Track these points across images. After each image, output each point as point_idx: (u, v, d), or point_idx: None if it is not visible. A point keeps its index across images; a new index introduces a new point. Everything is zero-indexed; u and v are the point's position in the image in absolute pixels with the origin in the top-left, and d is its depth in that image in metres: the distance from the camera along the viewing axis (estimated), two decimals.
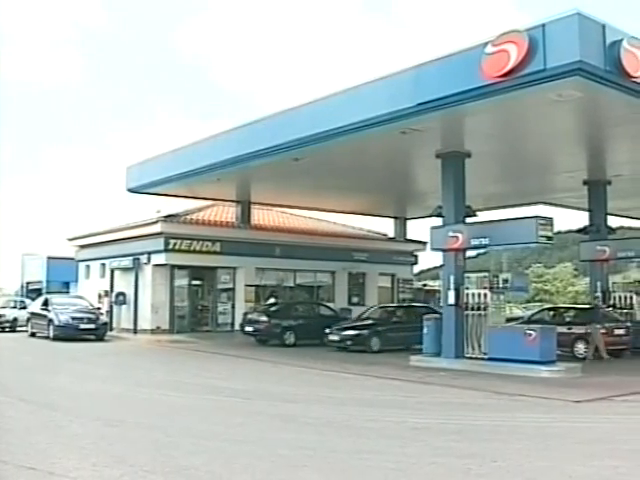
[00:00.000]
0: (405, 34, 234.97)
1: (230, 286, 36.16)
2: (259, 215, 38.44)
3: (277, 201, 37.21)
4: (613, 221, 32.24)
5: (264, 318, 29.14)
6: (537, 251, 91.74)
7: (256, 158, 23.63)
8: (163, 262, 33.81)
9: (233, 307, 35.79)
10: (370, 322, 28.04)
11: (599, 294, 27.19)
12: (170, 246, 33.38)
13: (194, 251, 33.98)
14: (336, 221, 43.06)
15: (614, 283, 30.54)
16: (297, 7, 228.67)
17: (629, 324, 24.44)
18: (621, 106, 17.57)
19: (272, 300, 34.72)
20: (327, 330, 27.37)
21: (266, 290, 37.05)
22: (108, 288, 37.42)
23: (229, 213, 37.11)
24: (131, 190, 31.59)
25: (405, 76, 18.49)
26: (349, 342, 26.55)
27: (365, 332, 26.85)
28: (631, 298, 27.16)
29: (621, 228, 41.10)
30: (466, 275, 21.86)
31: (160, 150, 29.20)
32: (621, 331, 24.20)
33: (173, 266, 34.46)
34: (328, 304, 34.09)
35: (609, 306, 27.05)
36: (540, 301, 76.20)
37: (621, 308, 26.99)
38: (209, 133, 26.42)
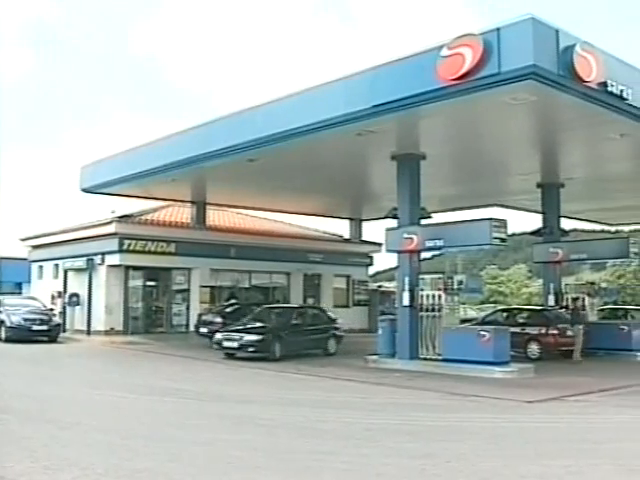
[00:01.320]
0: (360, 35, 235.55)
1: (185, 287, 35.97)
2: (214, 216, 38.30)
3: (233, 202, 37.08)
4: (566, 223, 32.62)
5: (219, 319, 28.95)
6: (492, 253, 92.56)
7: (211, 159, 23.54)
8: (117, 263, 33.54)
9: (188, 308, 35.58)
10: (264, 325, 25.07)
11: (583, 296, 27.44)
12: (124, 247, 33.14)
13: (149, 252, 33.76)
14: (292, 222, 43.05)
15: (567, 285, 30.87)
16: (252, 8, 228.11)
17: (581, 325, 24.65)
18: (574, 110, 17.77)
19: (231, 301, 34.39)
20: (219, 336, 24.55)
21: (222, 291, 36.91)
22: (61, 289, 36.97)
23: (184, 214, 36.92)
24: (85, 190, 31.27)
25: (361, 78, 18.55)
26: (251, 348, 23.28)
27: (269, 336, 23.81)
28: (583, 299, 27.46)
29: (574, 230, 41.60)
30: (421, 276, 21.97)
31: (115, 150, 28.96)
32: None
33: (127, 267, 34.20)
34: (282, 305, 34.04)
35: (561, 307, 27.34)
36: (494, 302, 76.79)
37: (573, 309, 27.25)
38: (164, 133, 26.26)
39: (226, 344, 23.71)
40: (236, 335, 23.77)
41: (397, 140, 21.80)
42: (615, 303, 45.38)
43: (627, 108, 17.45)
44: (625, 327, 25.60)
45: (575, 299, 26.26)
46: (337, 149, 22.91)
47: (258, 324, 25.14)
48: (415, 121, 19.53)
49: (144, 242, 33.54)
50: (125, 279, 34.37)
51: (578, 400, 15.30)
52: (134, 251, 33.40)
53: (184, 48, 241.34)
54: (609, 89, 16.52)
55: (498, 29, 15.50)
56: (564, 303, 27.78)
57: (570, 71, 15.61)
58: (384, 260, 46.56)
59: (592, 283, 41.09)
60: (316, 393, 16.39)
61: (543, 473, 8.91)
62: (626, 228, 43.31)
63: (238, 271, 37.56)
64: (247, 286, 38.49)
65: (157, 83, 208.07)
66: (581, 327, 23.85)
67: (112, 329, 33.26)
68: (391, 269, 36.23)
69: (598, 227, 47.13)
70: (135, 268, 34.60)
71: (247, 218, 41.40)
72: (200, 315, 31.40)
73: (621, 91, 16.79)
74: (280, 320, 26.08)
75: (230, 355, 23.70)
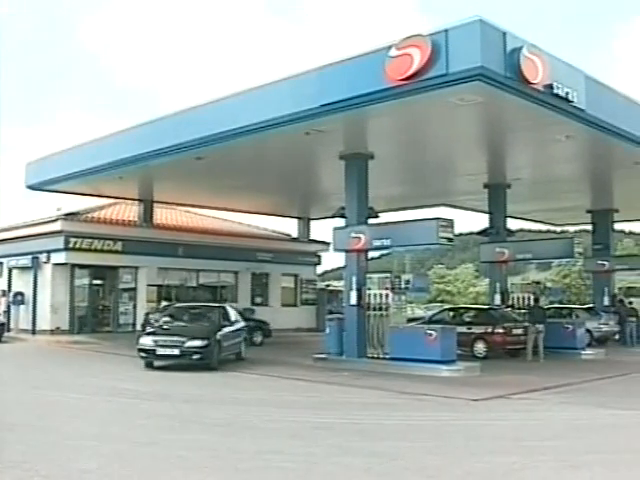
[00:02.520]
0: (310, 35, 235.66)
1: (132, 286, 35.62)
2: (162, 214, 38.09)
3: (181, 200, 36.89)
4: (512, 224, 32.99)
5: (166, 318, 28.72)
6: (440, 252, 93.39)
7: (158, 156, 23.37)
8: (63, 261, 33.11)
9: (135, 307, 35.25)
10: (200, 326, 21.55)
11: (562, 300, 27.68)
12: (70, 245, 32.70)
13: (95, 250, 33.37)
14: (240, 221, 42.96)
15: (512, 284, 31.20)
16: (201, 7, 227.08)
17: (526, 324, 24.89)
18: (521, 112, 17.95)
19: (166, 303, 33.87)
20: (147, 340, 20.43)
21: (169, 290, 36.64)
22: (6, 288, 36.46)
23: (132, 212, 36.63)
24: (31, 187, 30.90)
25: (309, 77, 18.56)
26: (196, 355, 19.88)
27: (211, 340, 20.31)
28: (529, 299, 27.75)
29: (521, 231, 42.08)
30: (368, 276, 22.03)
31: (61, 147, 28.64)
32: (519, 331, 24.72)
33: (73, 265, 33.77)
34: (231, 304, 33.89)
35: (507, 306, 27.62)
36: (442, 301, 77.50)
37: (519, 308, 27.58)
38: (111, 131, 26.02)
39: (162, 352, 19.92)
40: (174, 339, 20.05)
41: (345, 139, 21.85)
42: (560, 302, 46.02)
43: (572, 110, 17.68)
44: (570, 326, 25.93)
45: (536, 299, 26.54)
46: (285, 148, 22.89)
47: (191, 325, 21.67)
48: (363, 121, 19.59)
49: (90, 240, 33.13)
50: (71, 278, 33.92)
51: (522, 398, 15.46)
52: (80, 249, 32.97)
53: (132, 47, 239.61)
54: (555, 91, 16.72)
55: (446, 30, 15.59)
56: (510, 302, 28.09)
57: (517, 73, 15.76)
58: (332, 259, 46.68)
59: (538, 282, 41.59)
60: (263, 392, 16.37)
61: (488, 470, 9.00)
62: (571, 228, 43.92)
63: (186, 270, 37.30)
64: (194, 285, 38.24)
65: (105, 81, 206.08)
66: (541, 326, 24.01)
67: (58, 328, 32.82)
68: (339, 268, 36.31)
69: (544, 227, 47.77)
70: (81, 266, 34.17)
71: (195, 216, 41.22)
72: (147, 314, 31.12)
73: (567, 93, 17.01)
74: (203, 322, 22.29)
75: (150, 365, 20.53)
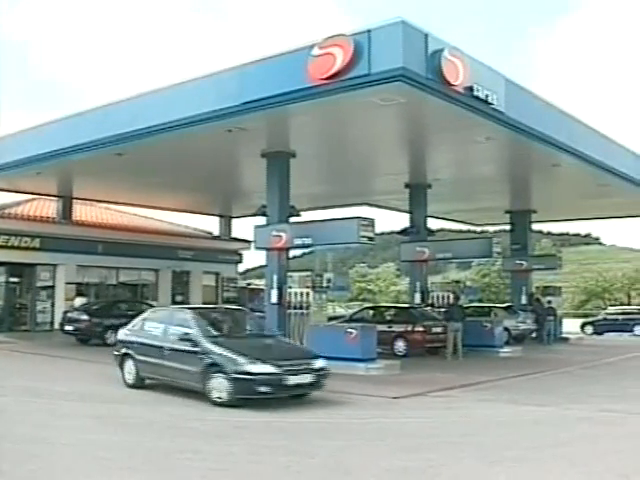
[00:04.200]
0: (234, 33, 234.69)
1: (50, 284, 34.90)
2: (82, 211, 37.46)
3: (101, 197, 36.35)
4: (433, 223, 33.38)
5: (85, 317, 28.32)
6: (362, 251, 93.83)
7: (77, 152, 23.02)
8: None
9: (53, 305, 34.56)
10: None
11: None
12: None
13: (12, 247, 32.65)
14: (161, 219, 42.60)
15: (433, 283, 31.54)
16: (129, 3, 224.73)
17: (446, 323, 25.15)
18: (441, 113, 18.15)
19: (79, 299, 33.28)
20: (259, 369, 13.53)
21: (89, 288, 36.10)
22: None
23: (50, 208, 35.98)
24: None
25: (231, 75, 18.46)
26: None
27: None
28: (449, 298, 28.10)
29: (442, 230, 42.55)
30: (289, 274, 22.05)
31: None
32: (439, 329, 24.98)
33: None
34: (152, 302, 33.59)
35: (427, 305, 27.92)
36: (363, 300, 78.01)
37: (439, 307, 27.90)
38: (30, 125, 25.54)
39: (294, 381, 13.80)
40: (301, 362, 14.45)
41: (267, 138, 21.82)
42: (480, 301, 46.77)
43: (492, 112, 17.98)
44: (488, 324, 26.32)
45: (456, 297, 26.84)
46: (207, 145, 22.76)
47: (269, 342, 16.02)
48: (285, 119, 19.59)
49: (7, 237, 32.40)
50: None
51: (441, 395, 15.64)
52: None
53: (58, 41, 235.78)
54: (475, 93, 16.97)
55: (369, 31, 15.66)
56: (430, 301, 28.40)
57: (438, 74, 15.94)
58: (254, 258, 46.57)
59: (457, 282, 42.16)
60: (182, 391, 16.23)
61: (407, 467, 9.08)
62: (491, 229, 44.57)
63: (106, 268, 36.80)
64: (114, 283, 37.78)
65: (28, 75, 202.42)
66: (459, 325, 24.26)
67: None
68: (261, 267, 36.23)
69: (465, 227, 48.40)
70: None
71: (116, 214, 40.68)
72: (65, 312, 30.62)
73: (486, 96, 17.28)
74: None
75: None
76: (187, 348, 14.46)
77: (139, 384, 15.87)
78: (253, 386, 13.27)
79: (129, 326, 17.21)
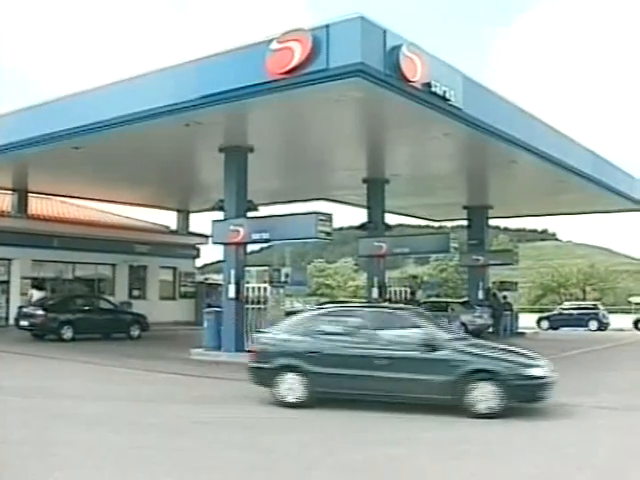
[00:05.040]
0: (196, 27, 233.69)
1: (5, 279, 34.56)
2: (37, 205, 37.01)
3: (58, 190, 35.94)
4: (392, 219, 33.43)
5: (40, 312, 27.97)
6: (320, 246, 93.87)
7: (32, 145, 22.74)
8: None
9: (8, 301, 34.20)
10: None
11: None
12: None
13: None
14: (119, 213, 42.28)
15: (390, 278, 31.65)
16: None
17: None
18: (400, 109, 18.19)
19: (33, 292, 32.85)
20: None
21: (44, 283, 35.70)
22: None
23: (4, 202, 35.50)
24: None
25: (189, 68, 18.35)
26: None
27: None
28: (406, 292, 28.24)
29: (400, 225, 42.66)
30: (247, 269, 22.04)
31: None
32: None
33: None
34: (108, 297, 33.38)
35: (385, 300, 27.99)
36: (322, 295, 78.04)
37: (396, 302, 28.00)
38: None
39: None
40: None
41: (225, 132, 21.74)
42: (437, 296, 47.01)
43: (450, 109, 18.04)
44: (445, 319, 26.45)
45: (412, 292, 26.95)
46: (165, 139, 22.60)
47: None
48: (243, 113, 19.50)
49: None
50: None
51: None
52: None
53: (15, 32, 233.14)
54: (433, 90, 17.02)
55: (327, 26, 15.64)
56: (387, 296, 28.49)
57: (396, 70, 15.96)
58: (211, 252, 46.35)
59: (415, 277, 42.37)
60: (141, 387, 16.13)
61: (368, 460, 9.08)
62: (449, 224, 44.83)
63: (62, 262, 36.45)
64: (71, 278, 37.43)
65: None
66: None
67: None
68: (219, 261, 36.12)
69: (424, 223, 48.61)
70: None
71: (72, 207, 40.25)
72: (21, 308, 30.28)
73: (444, 92, 17.35)
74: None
75: None
76: (423, 356, 12.28)
77: (306, 402, 12.88)
78: (535, 392, 12.11)
79: (279, 334, 13.99)
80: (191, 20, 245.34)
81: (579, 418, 12.37)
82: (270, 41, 16.28)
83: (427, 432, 10.97)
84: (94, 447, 9.67)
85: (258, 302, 21.37)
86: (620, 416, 12.80)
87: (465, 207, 35.60)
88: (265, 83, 16.51)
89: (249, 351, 14.97)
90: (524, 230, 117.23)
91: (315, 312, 14.97)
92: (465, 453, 9.56)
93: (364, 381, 12.56)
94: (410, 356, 12.41)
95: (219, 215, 23.32)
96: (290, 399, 12.95)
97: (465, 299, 35.40)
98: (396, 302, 28.00)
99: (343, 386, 12.76)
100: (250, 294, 21.55)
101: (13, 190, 34.48)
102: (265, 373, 13.41)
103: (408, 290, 28.00)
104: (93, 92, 20.93)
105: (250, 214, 22.74)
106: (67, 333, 27.33)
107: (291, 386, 13.00)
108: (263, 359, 13.58)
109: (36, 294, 31.35)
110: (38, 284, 33.43)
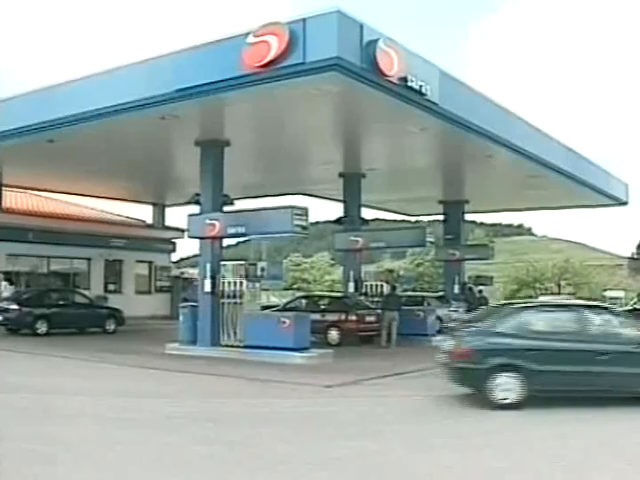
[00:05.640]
0: (172, 20, 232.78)
1: None
2: (11, 198, 36.68)
3: (32, 184, 35.63)
4: (368, 213, 33.45)
5: (14, 306, 27.78)
6: (296, 240, 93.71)
7: (6, 138, 22.54)
8: None
9: None
10: None
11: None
12: None
13: None
14: (94, 207, 42.03)
15: (367, 272, 31.67)
16: None
17: (379, 311, 25.29)
18: (376, 103, 18.19)
19: (5, 284, 32.64)
20: None
21: (19, 277, 35.48)
22: None
23: None
24: None
25: (165, 61, 18.23)
26: None
27: None
28: (382, 287, 28.28)
29: (376, 220, 42.76)
30: (223, 263, 22.00)
31: None
32: (372, 318, 25.13)
33: None
34: (84, 292, 33.20)
35: (361, 294, 28.03)
36: (298, 289, 77.97)
37: (373, 296, 28.06)
38: None
39: None
40: None
41: (201, 126, 21.69)
42: (413, 290, 47.12)
43: (426, 103, 18.05)
44: (421, 313, 26.60)
45: (393, 287, 26.98)
46: (141, 133, 22.52)
47: None
48: (219, 107, 19.43)
49: None
50: None
51: (374, 384, 15.82)
52: None
53: None
54: (409, 84, 17.01)
55: (304, 19, 15.61)
56: (363, 290, 28.52)
57: (372, 65, 15.94)
58: (187, 246, 46.22)
59: (391, 271, 42.40)
60: (118, 382, 16.07)
61: (341, 455, 9.11)
62: (425, 218, 44.83)
63: (37, 256, 36.25)
64: (46, 272, 37.21)
65: None
66: (395, 314, 24.44)
67: None
68: (195, 256, 36.03)
69: (400, 217, 48.68)
70: None
71: (47, 201, 39.95)
72: None
73: (420, 86, 17.34)
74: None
75: None
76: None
77: (521, 402, 12.48)
78: None
79: (489, 334, 13.29)
80: (169, 13, 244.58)
81: None
82: (247, 34, 16.20)
83: None
84: (71, 442, 9.63)
85: (234, 296, 21.32)
86: None
87: (441, 202, 35.63)
88: (241, 77, 16.43)
89: (450, 352, 13.55)
90: (500, 225, 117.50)
91: (521, 308, 14.42)
92: None
93: (588, 377, 12.57)
94: (630, 350, 12.82)
95: (195, 209, 23.27)
96: (507, 401, 12.50)
97: (441, 293, 35.48)
98: (373, 296, 28.04)
99: (566, 383, 12.65)
100: (226, 288, 21.51)
101: None
102: (477, 374, 12.73)
103: (385, 284, 27.99)
104: (68, 85, 20.75)
105: (226, 208, 22.70)
106: (42, 327, 27.17)
107: (508, 385, 12.53)
108: (475, 359, 12.82)
109: (7, 288, 31.20)
110: (9, 278, 33.22)
